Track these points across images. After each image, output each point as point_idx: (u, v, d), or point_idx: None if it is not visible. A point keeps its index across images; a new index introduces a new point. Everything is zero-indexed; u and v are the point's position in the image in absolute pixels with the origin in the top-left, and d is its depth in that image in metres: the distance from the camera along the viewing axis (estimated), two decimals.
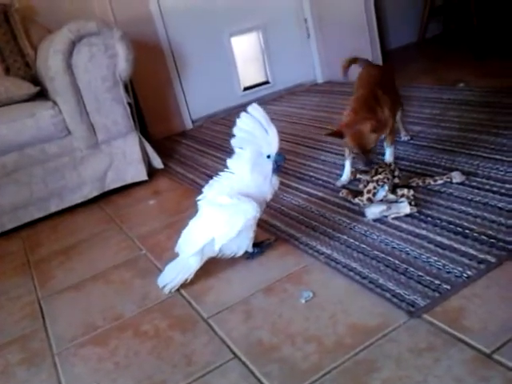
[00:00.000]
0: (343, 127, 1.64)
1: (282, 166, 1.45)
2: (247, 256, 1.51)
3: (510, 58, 3.06)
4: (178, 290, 1.44)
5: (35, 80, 2.39)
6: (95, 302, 1.49)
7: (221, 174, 1.47)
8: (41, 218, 2.20)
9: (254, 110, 1.38)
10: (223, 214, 1.40)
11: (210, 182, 1.49)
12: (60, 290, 1.61)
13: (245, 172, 1.41)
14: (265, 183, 1.43)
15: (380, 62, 3.29)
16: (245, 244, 1.46)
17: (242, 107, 1.45)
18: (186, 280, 1.43)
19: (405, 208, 1.52)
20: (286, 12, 3.45)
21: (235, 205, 1.38)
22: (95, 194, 2.27)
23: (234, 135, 1.40)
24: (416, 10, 4.05)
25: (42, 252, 1.92)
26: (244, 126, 1.39)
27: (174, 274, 1.44)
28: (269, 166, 1.42)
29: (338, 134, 1.67)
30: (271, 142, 1.39)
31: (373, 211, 1.55)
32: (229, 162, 1.46)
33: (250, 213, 1.38)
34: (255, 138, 1.39)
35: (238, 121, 1.39)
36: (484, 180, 1.62)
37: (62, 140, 2.18)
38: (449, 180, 1.66)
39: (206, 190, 1.48)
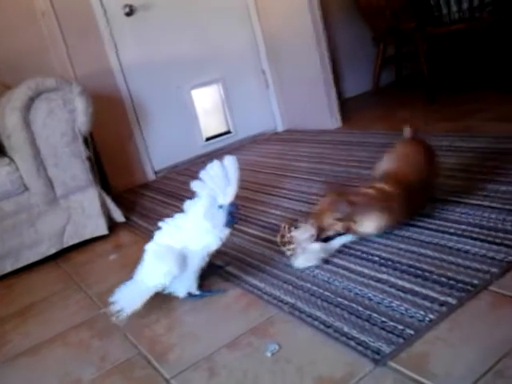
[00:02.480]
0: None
1: (236, 216, 1.54)
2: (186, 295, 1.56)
3: (460, 102, 3.22)
4: (138, 349, 1.38)
5: None
6: (52, 367, 1.42)
7: (176, 216, 1.56)
8: None
9: (229, 161, 1.49)
10: (148, 261, 1.52)
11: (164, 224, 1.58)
12: (14, 356, 1.52)
13: (198, 217, 1.50)
14: (213, 231, 1.51)
15: (336, 110, 3.39)
16: (184, 286, 1.52)
17: (205, 157, 1.52)
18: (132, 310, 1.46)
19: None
20: (244, 64, 3.55)
21: (159, 258, 1.49)
22: (53, 251, 2.19)
23: (198, 178, 1.49)
24: (369, 60, 4.25)
25: None
26: (211, 172, 1.49)
27: (125, 296, 1.48)
28: (221, 216, 1.50)
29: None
30: (228, 194, 1.48)
31: (301, 262, 1.58)
32: (186, 203, 1.56)
33: (160, 276, 1.46)
34: (215, 186, 1.48)
35: (208, 165, 1.49)
36: (440, 222, 1.66)
37: (19, 196, 2.12)
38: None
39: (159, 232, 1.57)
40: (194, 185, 1.50)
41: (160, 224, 1.57)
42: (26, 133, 2.10)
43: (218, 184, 1.48)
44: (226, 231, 1.53)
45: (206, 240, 1.51)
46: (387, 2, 3.97)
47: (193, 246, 1.50)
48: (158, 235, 1.56)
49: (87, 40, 2.96)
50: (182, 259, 1.47)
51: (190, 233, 1.51)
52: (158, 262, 1.48)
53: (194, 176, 1.51)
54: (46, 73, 2.40)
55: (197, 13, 3.31)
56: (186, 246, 1.50)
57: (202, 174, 1.49)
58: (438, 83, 3.50)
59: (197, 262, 1.52)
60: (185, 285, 1.52)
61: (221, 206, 1.49)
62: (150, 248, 1.53)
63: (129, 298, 1.47)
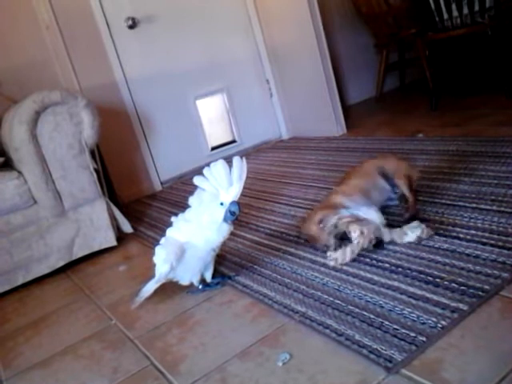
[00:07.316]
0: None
1: (236, 214, 1.55)
2: (188, 290, 1.68)
3: (464, 107, 3.22)
4: (150, 360, 1.38)
5: (0, 151, 2.37)
6: (64, 380, 1.42)
7: (183, 214, 1.65)
8: (6, 292, 2.12)
9: (236, 161, 1.52)
10: (158, 250, 1.62)
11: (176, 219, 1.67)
12: (26, 368, 1.53)
13: (199, 212, 1.57)
14: (212, 227, 1.56)
15: (340, 116, 3.39)
16: (187, 275, 1.62)
17: None
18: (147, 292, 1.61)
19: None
20: (248, 74, 3.57)
21: (162, 247, 1.60)
22: (62, 263, 2.20)
23: (201, 174, 1.54)
24: (371, 67, 4.26)
25: (8, 328, 1.83)
26: (214, 170, 1.52)
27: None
28: (220, 212, 1.54)
29: None
30: (231, 192, 1.51)
31: (334, 257, 1.60)
32: (190, 199, 1.62)
33: (160, 263, 1.58)
34: (217, 184, 1.52)
35: (212, 163, 1.53)
36: (450, 227, 1.66)
37: (28, 210, 2.14)
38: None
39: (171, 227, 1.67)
40: (197, 180, 1.55)
41: (172, 219, 1.67)
42: (34, 146, 2.12)
43: (219, 182, 1.52)
44: (226, 227, 1.58)
45: (207, 234, 1.58)
46: (389, 9, 3.99)
47: (195, 240, 1.58)
48: (169, 229, 1.66)
49: (91, 53, 2.99)
50: (181, 251, 1.56)
51: (194, 226, 1.59)
52: (161, 251, 1.59)
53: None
54: (51, 86, 2.42)
55: (200, 24, 3.34)
56: (190, 239, 1.59)
57: (205, 171, 1.54)
58: (441, 88, 3.50)
59: (198, 255, 1.60)
60: (188, 274, 1.62)
61: (222, 204, 1.53)
62: (161, 241, 1.64)
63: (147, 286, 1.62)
